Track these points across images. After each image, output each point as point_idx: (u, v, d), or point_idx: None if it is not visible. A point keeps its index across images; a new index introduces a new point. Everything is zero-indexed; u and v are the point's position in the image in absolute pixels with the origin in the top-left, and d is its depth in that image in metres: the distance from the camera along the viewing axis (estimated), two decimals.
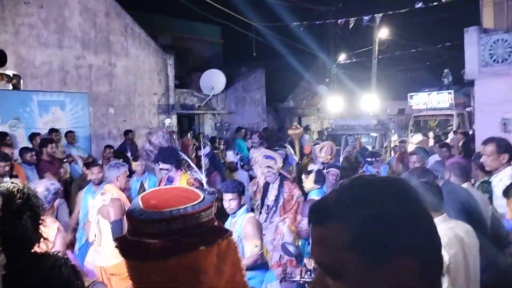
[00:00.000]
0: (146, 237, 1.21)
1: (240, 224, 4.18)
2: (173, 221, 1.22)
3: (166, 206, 1.25)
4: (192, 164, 5.58)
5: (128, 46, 12.04)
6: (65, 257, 2.22)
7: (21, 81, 4.49)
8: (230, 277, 1.30)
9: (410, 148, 10.21)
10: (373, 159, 7.51)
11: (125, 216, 1.29)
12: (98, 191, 5.17)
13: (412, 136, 14.32)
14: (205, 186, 5.10)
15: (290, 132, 10.06)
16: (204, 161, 8.48)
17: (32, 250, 2.09)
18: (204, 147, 9.10)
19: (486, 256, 3.11)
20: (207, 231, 1.26)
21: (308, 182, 5.47)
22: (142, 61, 12.46)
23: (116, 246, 1.27)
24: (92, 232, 4.86)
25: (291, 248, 3.70)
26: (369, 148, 11.64)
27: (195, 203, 1.28)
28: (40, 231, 2.17)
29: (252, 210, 6.25)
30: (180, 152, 5.86)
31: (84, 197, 5.76)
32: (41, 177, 7.73)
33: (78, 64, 10.91)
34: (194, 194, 1.34)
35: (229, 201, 4.18)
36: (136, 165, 7.40)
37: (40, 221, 2.19)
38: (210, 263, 1.22)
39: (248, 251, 4.08)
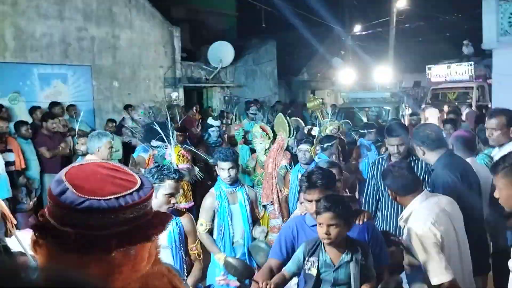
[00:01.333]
0: (85, 229, 1.02)
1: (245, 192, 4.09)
2: (121, 211, 1.05)
3: (106, 192, 1.05)
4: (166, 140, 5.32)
5: (132, 17, 11.74)
6: None
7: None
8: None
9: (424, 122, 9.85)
10: (366, 131, 7.22)
11: (49, 199, 1.06)
12: None
13: (423, 109, 13.86)
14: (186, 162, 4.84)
15: (309, 105, 9.72)
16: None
17: None
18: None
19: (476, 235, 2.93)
20: (153, 218, 1.15)
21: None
22: (147, 33, 12.17)
23: (37, 236, 1.06)
24: None
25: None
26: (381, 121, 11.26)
27: (138, 187, 1.10)
28: None
29: (253, 186, 6.07)
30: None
31: None
32: (37, 151, 7.64)
33: (80, 36, 10.68)
34: (127, 175, 1.14)
35: (228, 170, 3.96)
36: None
37: None
38: (151, 250, 1.17)
39: None
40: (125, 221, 1.04)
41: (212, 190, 4.05)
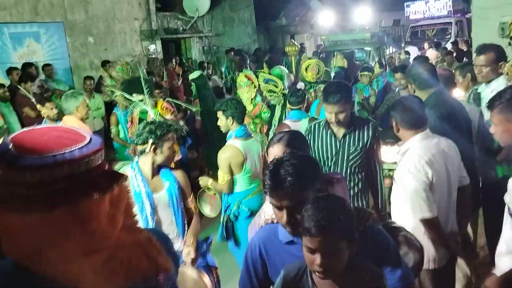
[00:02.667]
0: (24, 187, 1.00)
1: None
2: (57, 168, 1.01)
3: (46, 150, 1.03)
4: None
5: None
6: None
7: None
8: (123, 223, 1.16)
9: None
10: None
11: None
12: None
13: (404, 47, 13.83)
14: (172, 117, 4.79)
15: (287, 49, 9.65)
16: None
17: None
18: (192, 72, 8.76)
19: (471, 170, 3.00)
20: (99, 177, 1.09)
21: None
22: None
23: None
24: None
25: None
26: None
27: (82, 145, 1.06)
28: None
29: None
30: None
31: None
32: (19, 112, 7.47)
33: None
34: (77, 135, 1.11)
35: (219, 120, 4.06)
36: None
37: None
38: (102, 212, 1.08)
39: None
40: (62, 178, 1.02)
41: (230, 143, 4.02)
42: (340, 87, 3.43)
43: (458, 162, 2.94)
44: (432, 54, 12.10)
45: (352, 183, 3.51)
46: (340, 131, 3.49)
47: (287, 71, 8.91)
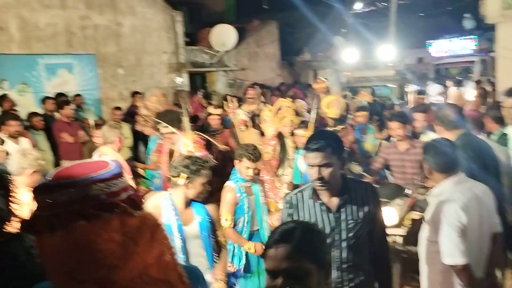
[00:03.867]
0: (46, 209, 1.10)
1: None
2: (58, 192, 1.09)
3: (67, 176, 1.13)
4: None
5: (134, 4, 11.68)
6: None
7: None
8: (157, 256, 1.15)
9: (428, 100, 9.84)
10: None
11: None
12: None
13: (428, 86, 13.83)
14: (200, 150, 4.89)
15: (316, 86, 9.64)
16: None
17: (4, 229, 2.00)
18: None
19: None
20: (102, 204, 1.10)
21: (310, 132, 5.24)
22: (150, 19, 12.12)
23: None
24: None
25: None
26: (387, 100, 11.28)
27: (101, 171, 1.14)
28: (11, 208, 2.06)
29: None
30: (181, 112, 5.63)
31: None
32: (51, 141, 7.66)
33: (83, 24, 10.65)
34: (102, 164, 1.19)
35: (253, 170, 4.06)
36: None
37: (12, 197, 2.09)
38: (106, 241, 1.08)
39: None
40: (64, 203, 1.08)
41: (229, 184, 4.08)
42: (326, 134, 2.84)
43: (492, 208, 2.93)
44: (455, 93, 12.06)
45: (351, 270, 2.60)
46: (332, 202, 2.59)
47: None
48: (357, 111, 7.29)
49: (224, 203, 3.96)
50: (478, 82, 14.03)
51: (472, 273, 2.74)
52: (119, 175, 1.16)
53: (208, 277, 3.12)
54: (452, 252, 2.69)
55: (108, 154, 4.61)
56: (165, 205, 3.22)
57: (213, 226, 3.30)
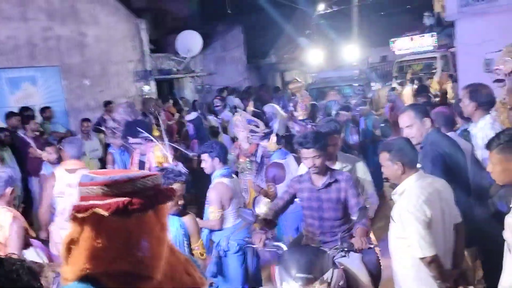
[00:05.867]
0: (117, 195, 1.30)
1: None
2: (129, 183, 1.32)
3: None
4: (164, 136, 5.32)
5: (96, 13, 11.56)
6: (22, 258, 2.11)
7: None
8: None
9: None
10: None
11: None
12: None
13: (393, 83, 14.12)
14: (170, 160, 4.90)
15: (291, 86, 9.78)
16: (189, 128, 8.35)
17: None
18: (189, 113, 8.86)
19: (462, 209, 3.12)
20: (153, 195, 1.34)
21: (271, 143, 5.34)
22: (113, 28, 12.02)
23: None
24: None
25: (246, 214, 3.58)
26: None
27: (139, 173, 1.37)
28: None
29: (237, 173, 6.16)
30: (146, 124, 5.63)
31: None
32: (17, 157, 7.50)
33: (45, 36, 10.46)
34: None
35: (203, 162, 4.28)
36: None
37: None
38: (153, 226, 1.34)
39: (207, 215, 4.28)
40: (136, 190, 1.30)
41: (219, 180, 4.24)
42: (316, 132, 3.78)
43: (451, 201, 3.07)
44: (407, 90, 12.34)
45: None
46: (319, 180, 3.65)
47: (279, 109, 9.09)
48: (341, 110, 7.65)
49: (211, 199, 4.19)
50: (411, 81, 14.29)
51: (441, 264, 2.86)
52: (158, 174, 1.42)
53: None
54: (421, 245, 2.81)
55: (75, 167, 4.60)
56: None
57: (190, 238, 3.31)
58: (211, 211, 4.13)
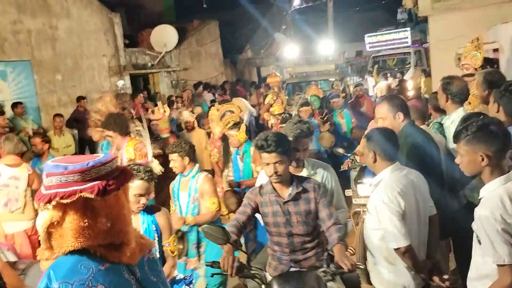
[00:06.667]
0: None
1: (195, 184, 4.22)
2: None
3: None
4: (143, 132, 5.23)
5: (68, 5, 11.33)
6: None
7: None
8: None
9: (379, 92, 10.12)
10: None
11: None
12: None
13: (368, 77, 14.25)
14: (150, 157, 4.83)
15: (269, 80, 9.75)
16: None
17: None
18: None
19: (436, 200, 3.15)
20: (119, 175, 1.59)
21: (241, 133, 5.28)
22: (86, 21, 11.79)
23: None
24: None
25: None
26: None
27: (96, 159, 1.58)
28: None
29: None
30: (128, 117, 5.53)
31: None
32: None
33: (15, 29, 10.21)
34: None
35: (172, 162, 4.22)
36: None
37: None
38: (124, 200, 1.63)
39: (204, 208, 4.22)
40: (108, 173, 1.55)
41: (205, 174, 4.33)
42: (279, 135, 3.14)
43: (426, 193, 3.09)
44: (382, 85, 12.45)
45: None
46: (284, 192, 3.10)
47: (248, 105, 9.05)
48: (301, 107, 7.44)
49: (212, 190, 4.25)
50: (385, 76, 14.41)
51: (415, 254, 2.89)
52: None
53: None
54: (395, 236, 2.83)
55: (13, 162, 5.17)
56: None
57: (162, 234, 3.26)
58: (214, 202, 4.19)
